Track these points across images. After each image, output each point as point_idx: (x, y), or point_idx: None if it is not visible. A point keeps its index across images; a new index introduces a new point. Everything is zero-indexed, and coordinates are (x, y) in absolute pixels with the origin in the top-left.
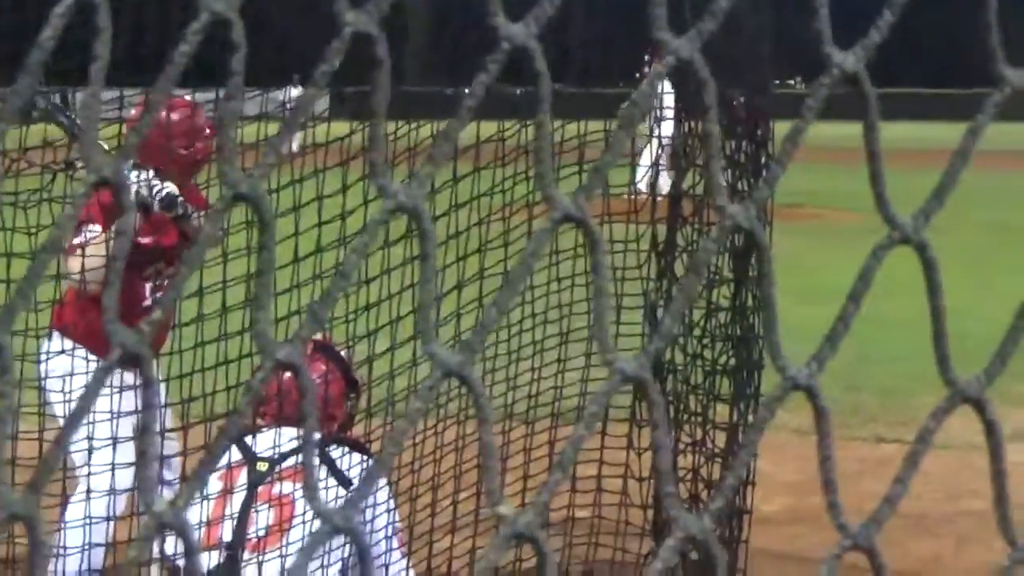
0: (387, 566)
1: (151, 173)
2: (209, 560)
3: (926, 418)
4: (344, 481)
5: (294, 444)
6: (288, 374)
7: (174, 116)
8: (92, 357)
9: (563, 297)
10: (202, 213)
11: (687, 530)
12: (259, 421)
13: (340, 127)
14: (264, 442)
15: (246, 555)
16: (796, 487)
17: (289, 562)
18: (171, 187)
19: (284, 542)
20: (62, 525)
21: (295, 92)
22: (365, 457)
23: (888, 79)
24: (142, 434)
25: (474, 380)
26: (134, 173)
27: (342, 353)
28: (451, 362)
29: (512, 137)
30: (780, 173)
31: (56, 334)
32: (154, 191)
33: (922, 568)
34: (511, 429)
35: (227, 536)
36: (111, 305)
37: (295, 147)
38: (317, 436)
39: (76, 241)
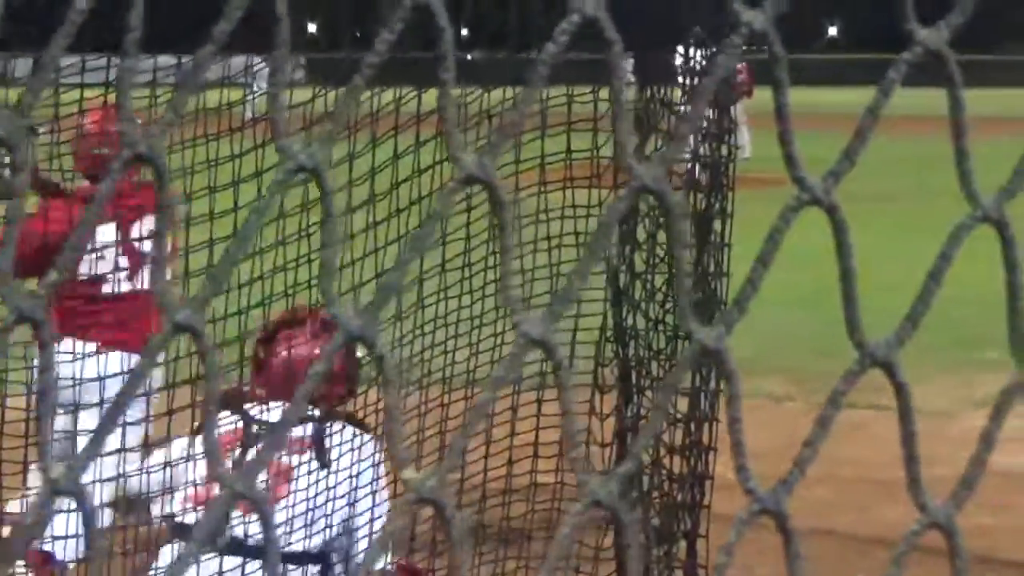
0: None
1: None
2: (195, 517)
3: (837, 381)
4: (324, 462)
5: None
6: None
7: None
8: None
9: (525, 262)
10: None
11: (593, 494)
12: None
13: (302, 93)
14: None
15: (235, 513)
16: (766, 453)
17: (286, 526)
18: None
19: (280, 509)
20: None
21: (257, 57)
22: (357, 431)
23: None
24: (39, 398)
25: (377, 343)
26: None
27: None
28: (351, 325)
29: (474, 102)
30: (688, 132)
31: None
32: None
33: (890, 533)
34: (474, 395)
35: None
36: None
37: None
38: (315, 411)
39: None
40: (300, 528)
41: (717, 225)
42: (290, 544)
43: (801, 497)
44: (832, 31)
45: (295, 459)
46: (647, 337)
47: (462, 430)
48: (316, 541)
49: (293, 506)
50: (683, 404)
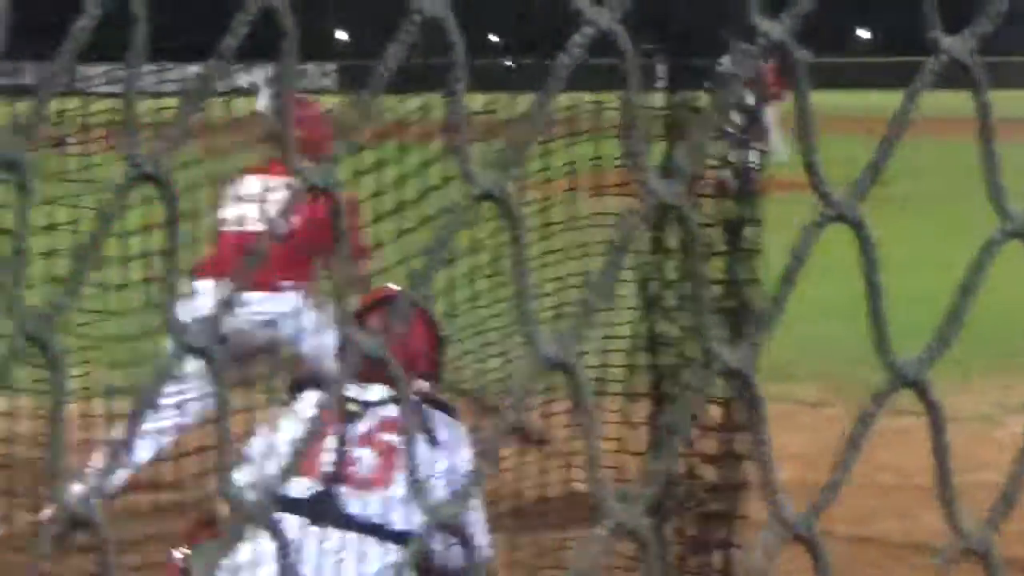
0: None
1: None
2: (305, 490)
3: (868, 401)
4: (433, 440)
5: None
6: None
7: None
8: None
9: (559, 270)
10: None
11: (617, 518)
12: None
13: (332, 100)
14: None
15: (344, 489)
16: (806, 458)
17: (390, 505)
18: None
19: (387, 488)
20: None
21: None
22: (445, 414)
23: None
24: (51, 414)
25: (389, 356)
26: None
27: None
28: (365, 343)
29: (503, 110)
30: (703, 142)
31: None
32: None
33: (930, 539)
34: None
35: (326, 468)
36: None
37: None
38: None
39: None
40: (401, 508)
41: (748, 232)
42: (392, 524)
43: (841, 503)
44: (865, 35)
45: (398, 439)
46: (680, 346)
47: (482, 452)
48: (418, 520)
49: (392, 486)
50: (716, 413)
